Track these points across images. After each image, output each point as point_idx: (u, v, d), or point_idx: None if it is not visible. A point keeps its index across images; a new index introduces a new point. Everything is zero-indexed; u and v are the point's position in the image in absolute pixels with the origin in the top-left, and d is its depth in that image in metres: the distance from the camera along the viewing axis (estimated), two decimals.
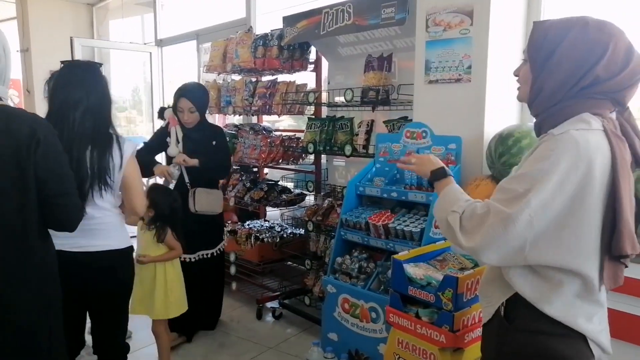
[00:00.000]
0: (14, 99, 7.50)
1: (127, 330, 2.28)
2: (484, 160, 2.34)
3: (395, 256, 1.96)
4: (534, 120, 1.30)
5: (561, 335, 1.17)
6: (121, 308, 2.13)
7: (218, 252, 3.16)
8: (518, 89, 1.34)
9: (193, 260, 3.01)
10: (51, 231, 1.79)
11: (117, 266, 2.03)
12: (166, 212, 2.52)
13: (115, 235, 2.01)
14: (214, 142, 3.02)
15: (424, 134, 2.47)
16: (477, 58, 2.33)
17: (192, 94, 2.93)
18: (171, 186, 2.88)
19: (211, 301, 3.25)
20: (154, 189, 2.64)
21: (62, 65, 2.00)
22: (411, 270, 1.88)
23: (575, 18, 1.23)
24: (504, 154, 2.16)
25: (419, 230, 2.25)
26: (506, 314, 1.25)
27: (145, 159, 2.67)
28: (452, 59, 2.40)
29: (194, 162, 2.89)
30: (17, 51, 7.38)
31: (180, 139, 2.91)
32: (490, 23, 2.27)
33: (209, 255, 3.09)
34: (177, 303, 2.56)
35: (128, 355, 2.19)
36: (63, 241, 1.88)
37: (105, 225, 1.97)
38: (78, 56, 5.49)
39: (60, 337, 1.65)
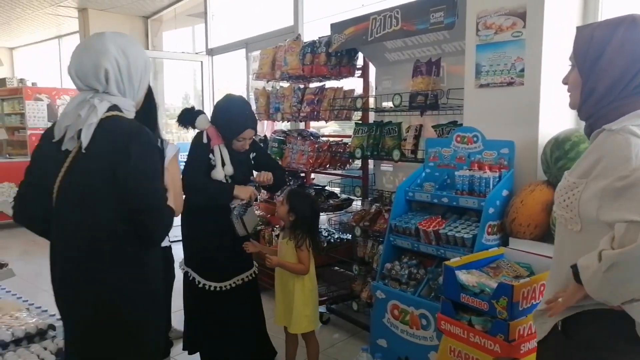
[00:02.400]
0: None
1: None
2: (539, 165, 2.27)
3: (447, 262, 1.94)
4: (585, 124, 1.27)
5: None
6: None
7: (254, 274, 2.79)
8: (569, 96, 1.31)
9: (229, 287, 2.65)
10: None
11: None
12: (307, 213, 2.56)
13: None
14: (252, 154, 2.78)
15: (475, 139, 2.44)
16: (530, 61, 2.27)
17: (255, 122, 2.69)
18: (250, 210, 2.62)
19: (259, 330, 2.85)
20: (293, 193, 2.70)
21: None
22: (463, 277, 1.85)
23: (620, 17, 1.21)
24: (561, 158, 2.09)
25: (471, 236, 2.22)
26: (564, 329, 1.21)
27: (218, 185, 2.53)
28: (503, 62, 2.36)
29: (270, 177, 2.71)
30: None
31: (226, 160, 2.59)
32: (544, 25, 2.21)
33: (245, 279, 2.72)
34: (311, 317, 2.61)
35: None
36: None
37: None
38: None
39: (161, 330, 1.73)
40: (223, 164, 2.57)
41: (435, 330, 2.24)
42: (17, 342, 2.26)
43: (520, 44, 2.29)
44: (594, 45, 1.20)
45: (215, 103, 2.73)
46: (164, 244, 2.10)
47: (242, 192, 2.55)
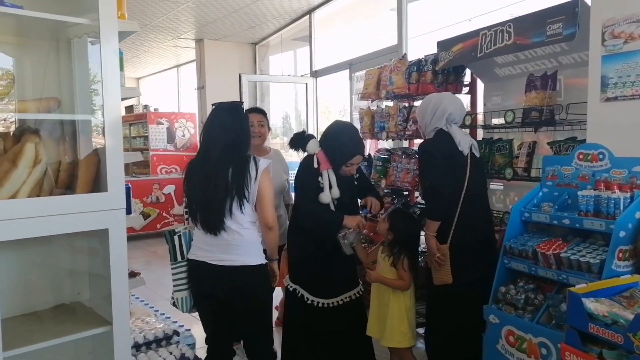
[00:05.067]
0: (190, 130, 8.63)
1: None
2: None
3: (571, 289, 1.80)
4: None
5: None
6: (259, 320, 2.32)
7: (360, 292, 2.79)
8: None
9: (336, 304, 2.68)
10: (197, 244, 2.25)
11: (252, 282, 2.22)
12: (404, 237, 2.61)
13: (251, 252, 2.22)
14: (356, 175, 2.79)
15: (600, 156, 2.26)
16: None
17: (363, 149, 2.75)
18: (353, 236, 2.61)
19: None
20: (395, 213, 2.79)
21: (212, 107, 2.34)
22: (592, 305, 1.71)
23: None
24: None
25: (598, 261, 2.04)
26: None
27: (329, 215, 2.59)
28: (635, 72, 2.17)
29: (378, 208, 2.79)
30: (195, 89, 8.51)
31: (334, 184, 2.62)
32: None
33: (353, 297, 2.73)
34: (407, 334, 2.62)
35: None
36: (206, 253, 2.20)
37: (242, 242, 2.19)
38: (245, 90, 6.13)
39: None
40: (330, 187, 2.62)
41: None
42: (147, 344, 2.48)
43: None
44: None
45: (325, 128, 2.81)
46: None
47: (351, 221, 2.58)
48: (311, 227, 2.65)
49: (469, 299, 2.53)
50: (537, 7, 2.72)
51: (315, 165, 2.62)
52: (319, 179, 2.62)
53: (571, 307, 1.77)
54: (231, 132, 2.19)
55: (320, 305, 2.65)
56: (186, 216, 2.38)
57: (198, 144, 2.34)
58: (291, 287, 2.75)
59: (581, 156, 2.34)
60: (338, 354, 2.70)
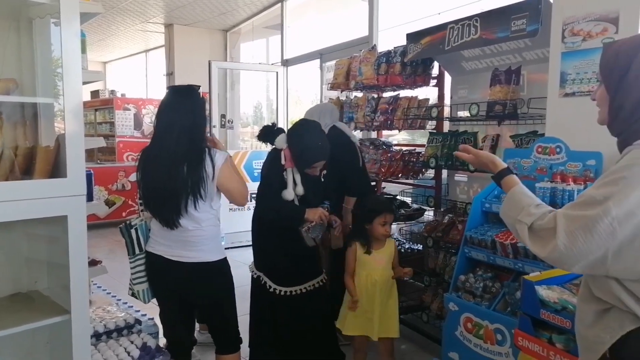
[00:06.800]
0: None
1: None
2: None
3: (526, 277, 1.87)
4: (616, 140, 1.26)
5: None
6: (223, 314, 2.32)
7: (323, 280, 2.79)
8: (598, 112, 1.31)
9: (299, 292, 2.69)
10: (155, 238, 2.21)
11: (212, 278, 2.21)
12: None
13: (210, 248, 2.19)
14: (323, 172, 2.80)
15: (558, 149, 2.34)
16: None
17: (326, 153, 2.62)
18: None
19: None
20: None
21: (167, 90, 2.26)
22: (544, 292, 1.78)
23: None
24: None
25: None
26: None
27: (290, 209, 2.59)
28: (592, 70, 2.25)
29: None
30: (164, 75, 8.35)
31: (298, 182, 2.62)
32: None
33: (316, 285, 2.74)
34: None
35: None
36: (164, 248, 2.17)
37: (200, 238, 2.16)
38: (214, 77, 6.04)
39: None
40: (295, 184, 2.61)
41: (511, 346, 2.16)
42: (108, 333, 2.45)
43: None
44: (619, 62, 1.20)
45: (291, 126, 2.77)
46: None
47: (312, 214, 2.57)
48: (272, 220, 2.65)
49: None
50: (504, 3, 2.78)
51: (283, 162, 2.60)
52: (284, 174, 2.61)
53: (525, 294, 1.84)
54: (187, 116, 2.10)
55: (282, 293, 2.66)
56: (141, 208, 2.33)
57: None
58: (255, 274, 2.77)
59: (540, 149, 2.42)
60: (302, 341, 2.73)
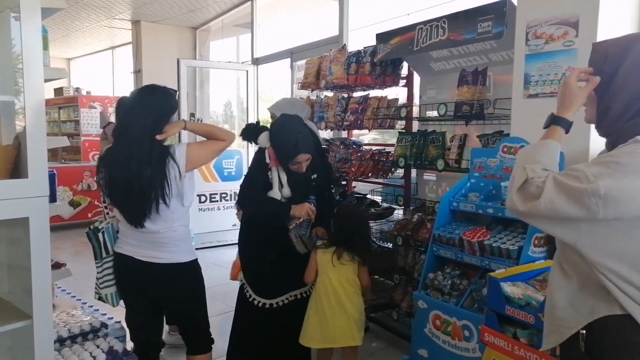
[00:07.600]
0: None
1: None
2: None
3: (491, 274, 1.92)
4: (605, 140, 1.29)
5: None
6: (194, 315, 2.28)
7: (308, 292, 2.68)
8: (585, 111, 1.33)
9: (281, 304, 2.61)
10: (124, 238, 2.13)
11: (182, 279, 2.18)
12: (346, 239, 2.51)
13: (180, 249, 2.16)
14: (314, 176, 2.63)
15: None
16: None
17: (308, 146, 2.46)
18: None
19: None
20: (341, 211, 2.69)
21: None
22: (509, 289, 1.83)
23: (634, 35, 1.22)
24: None
25: (516, 248, 2.18)
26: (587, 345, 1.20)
27: (275, 206, 2.48)
28: (554, 72, 2.32)
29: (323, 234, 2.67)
30: (131, 72, 8.17)
31: (284, 182, 2.51)
32: (597, 34, 2.17)
33: (299, 296, 2.67)
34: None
35: None
36: (133, 249, 2.12)
37: (171, 239, 2.12)
38: (183, 75, 5.95)
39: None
40: (281, 185, 2.51)
41: (478, 342, 2.21)
42: (72, 338, 2.38)
43: (571, 53, 2.26)
44: (608, 63, 1.21)
45: (271, 123, 2.68)
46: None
47: (298, 210, 2.46)
48: (257, 220, 2.57)
49: None
50: (472, 5, 2.84)
51: (267, 160, 2.50)
52: (269, 174, 2.52)
53: (491, 290, 1.88)
54: (150, 117, 2.03)
55: (261, 305, 2.60)
56: (106, 210, 2.26)
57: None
58: (242, 281, 2.74)
59: (505, 149, 2.48)
60: (278, 351, 2.68)
